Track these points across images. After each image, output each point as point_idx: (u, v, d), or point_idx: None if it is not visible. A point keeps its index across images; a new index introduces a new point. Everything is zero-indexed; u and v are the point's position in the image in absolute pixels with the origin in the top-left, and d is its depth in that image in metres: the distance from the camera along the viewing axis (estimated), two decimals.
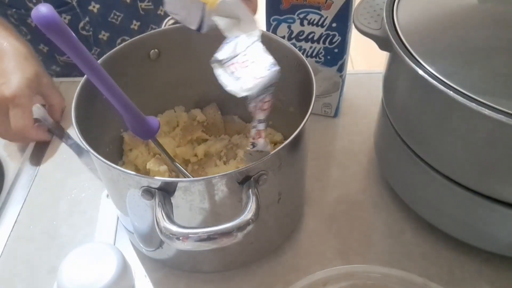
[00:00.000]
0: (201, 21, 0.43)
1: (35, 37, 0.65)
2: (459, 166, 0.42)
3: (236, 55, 0.37)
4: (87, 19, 0.63)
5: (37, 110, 0.59)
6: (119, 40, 0.68)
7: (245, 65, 0.36)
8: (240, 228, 0.33)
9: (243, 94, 0.35)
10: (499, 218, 0.42)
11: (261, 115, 0.36)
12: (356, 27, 0.46)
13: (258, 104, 0.35)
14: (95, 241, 0.51)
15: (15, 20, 0.64)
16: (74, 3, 0.62)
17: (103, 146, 0.49)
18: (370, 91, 0.67)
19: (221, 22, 0.38)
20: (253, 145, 0.36)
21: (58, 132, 0.60)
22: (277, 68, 0.35)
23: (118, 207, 0.45)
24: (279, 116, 0.54)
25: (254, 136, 0.36)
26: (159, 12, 0.71)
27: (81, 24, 0.63)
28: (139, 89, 0.49)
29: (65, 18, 0.62)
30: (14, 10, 0.63)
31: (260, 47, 0.37)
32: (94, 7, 0.63)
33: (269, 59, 0.36)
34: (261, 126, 0.36)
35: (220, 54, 0.37)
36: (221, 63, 0.37)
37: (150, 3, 0.68)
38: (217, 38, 0.49)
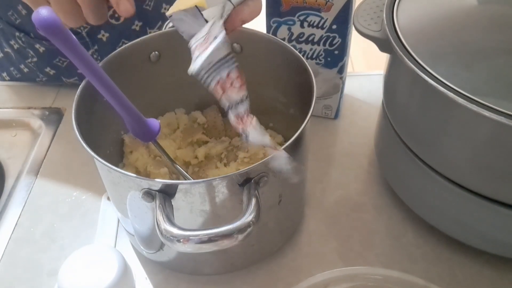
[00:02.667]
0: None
1: (41, 60, 0.65)
2: (460, 168, 0.42)
3: (200, 38, 0.33)
4: (95, 47, 0.64)
5: None
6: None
7: (202, 44, 0.32)
8: (240, 230, 0.33)
9: (190, 71, 0.31)
10: (500, 219, 0.42)
11: (233, 95, 0.31)
12: (356, 29, 0.46)
13: (221, 81, 0.31)
14: (95, 244, 0.51)
15: (22, 42, 0.64)
16: (83, 32, 0.62)
17: (103, 148, 0.49)
18: (371, 93, 0.67)
19: (205, 13, 0.34)
20: (245, 136, 0.31)
21: None
22: (219, 39, 0.31)
23: (119, 210, 0.45)
24: (280, 118, 0.54)
25: (236, 123, 0.31)
26: None
27: (89, 53, 0.64)
28: (139, 91, 0.49)
29: None
30: (22, 33, 0.63)
31: (218, 23, 0.33)
32: (103, 35, 0.63)
33: (216, 29, 0.32)
34: (241, 109, 0.31)
35: (190, 42, 0.34)
36: (190, 49, 0.33)
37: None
38: None
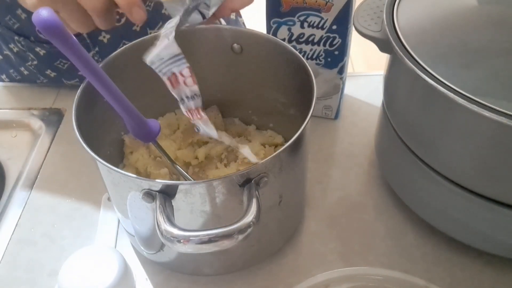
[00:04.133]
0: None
1: (42, 63, 0.65)
2: (460, 168, 0.42)
3: (169, 27, 0.35)
4: (96, 49, 0.64)
5: None
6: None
7: (165, 36, 0.35)
8: (241, 230, 0.33)
9: (145, 60, 0.34)
10: (500, 220, 0.42)
11: (185, 91, 0.33)
12: (356, 29, 0.46)
13: (173, 77, 0.33)
14: (96, 244, 0.51)
15: (22, 46, 0.64)
16: (84, 34, 0.62)
17: (103, 149, 0.49)
18: (371, 93, 0.67)
19: None
20: (197, 128, 0.34)
21: None
22: (170, 38, 0.33)
23: (119, 210, 0.45)
24: (280, 119, 0.54)
25: (186, 115, 0.34)
26: None
27: (90, 54, 0.64)
28: (139, 92, 0.49)
29: None
30: (22, 38, 0.63)
31: (175, 20, 0.35)
32: (104, 37, 0.63)
33: (168, 26, 0.34)
34: (192, 104, 0.34)
35: (161, 30, 0.36)
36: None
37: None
38: (217, 41, 0.49)
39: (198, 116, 0.34)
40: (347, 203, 0.54)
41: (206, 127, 0.34)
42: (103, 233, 0.52)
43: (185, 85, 0.34)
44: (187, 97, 0.34)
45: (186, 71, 0.34)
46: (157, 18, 0.68)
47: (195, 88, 0.34)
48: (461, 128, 0.39)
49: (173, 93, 0.34)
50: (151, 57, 0.34)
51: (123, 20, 0.63)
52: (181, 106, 0.34)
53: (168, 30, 0.35)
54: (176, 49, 0.33)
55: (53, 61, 0.65)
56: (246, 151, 0.36)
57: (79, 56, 0.32)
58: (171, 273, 0.48)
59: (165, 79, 0.34)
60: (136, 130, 0.40)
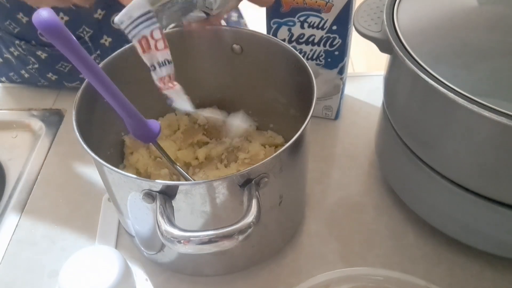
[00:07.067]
0: None
1: (43, 66, 0.65)
2: (461, 168, 0.42)
3: None
4: (98, 52, 0.64)
5: None
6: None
7: None
8: (241, 231, 0.33)
9: (114, 20, 0.31)
10: (501, 220, 0.42)
11: (157, 55, 0.31)
12: (357, 30, 0.46)
13: (144, 40, 0.31)
14: (96, 245, 0.51)
15: (22, 50, 0.64)
16: (86, 37, 0.62)
17: (104, 149, 0.49)
18: (371, 93, 0.67)
19: None
20: (170, 100, 0.32)
21: None
22: None
23: (119, 211, 0.45)
24: (280, 119, 0.54)
25: (159, 85, 0.31)
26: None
27: (92, 57, 0.63)
28: (139, 93, 0.49)
29: None
30: (22, 42, 0.63)
31: None
32: (106, 40, 0.63)
33: None
34: (163, 71, 0.31)
35: None
36: None
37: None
38: (218, 42, 0.49)
39: (170, 84, 0.31)
40: (348, 203, 0.54)
41: (180, 98, 0.31)
42: (103, 234, 0.52)
43: (156, 49, 0.31)
44: (158, 63, 0.31)
45: (157, 33, 0.31)
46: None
47: (167, 52, 0.31)
48: (461, 128, 0.39)
49: (144, 59, 0.31)
50: (120, 16, 0.31)
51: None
52: (153, 74, 0.31)
53: None
54: (146, 6, 0.30)
55: (55, 64, 0.65)
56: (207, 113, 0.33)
57: (80, 57, 0.32)
58: (172, 273, 0.48)
59: (135, 42, 0.31)
60: (137, 130, 0.40)
